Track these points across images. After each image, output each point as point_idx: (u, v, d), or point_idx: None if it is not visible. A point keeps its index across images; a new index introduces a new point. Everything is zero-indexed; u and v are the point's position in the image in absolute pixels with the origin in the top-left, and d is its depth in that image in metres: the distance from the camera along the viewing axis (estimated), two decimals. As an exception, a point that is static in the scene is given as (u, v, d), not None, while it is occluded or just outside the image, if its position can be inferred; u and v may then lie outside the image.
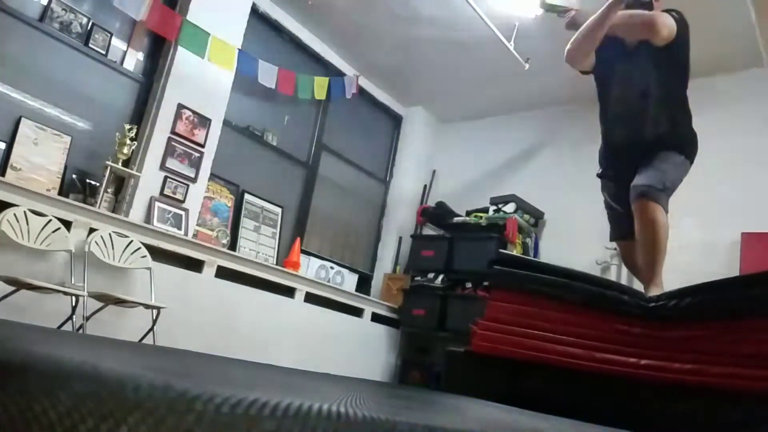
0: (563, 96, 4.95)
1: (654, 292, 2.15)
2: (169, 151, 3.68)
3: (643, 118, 2.39)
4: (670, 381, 1.76)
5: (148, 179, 3.56)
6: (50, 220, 2.87)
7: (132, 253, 3.16)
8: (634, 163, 2.41)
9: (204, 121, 3.88)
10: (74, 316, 2.77)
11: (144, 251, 3.21)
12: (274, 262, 4.42)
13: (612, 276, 4.44)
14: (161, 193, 3.62)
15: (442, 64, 4.99)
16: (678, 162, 2.36)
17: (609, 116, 2.58)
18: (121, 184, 3.56)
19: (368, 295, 5.21)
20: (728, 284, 1.85)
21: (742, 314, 1.72)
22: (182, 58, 3.73)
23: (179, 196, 3.72)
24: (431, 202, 5.52)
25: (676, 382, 1.75)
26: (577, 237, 4.72)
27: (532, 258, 4.85)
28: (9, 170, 3.06)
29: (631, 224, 2.37)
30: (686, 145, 2.40)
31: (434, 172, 5.93)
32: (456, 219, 5.06)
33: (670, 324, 1.85)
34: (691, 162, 2.43)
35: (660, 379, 1.78)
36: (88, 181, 3.46)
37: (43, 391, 0.44)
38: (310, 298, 4.29)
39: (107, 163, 3.34)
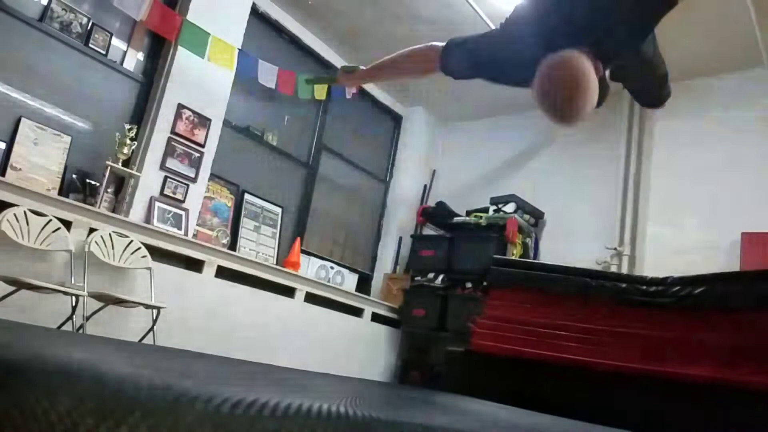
0: (563, 96, 4.95)
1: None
2: (169, 151, 3.68)
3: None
4: (670, 377, 1.76)
5: (148, 179, 3.56)
6: (50, 220, 2.87)
7: (132, 253, 3.16)
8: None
9: (204, 121, 3.88)
10: (74, 316, 2.77)
11: (144, 251, 3.21)
12: (274, 262, 4.42)
13: (612, 276, 4.43)
14: (161, 193, 3.62)
15: (442, 64, 4.99)
16: (654, 41, 1.74)
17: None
18: (121, 184, 3.56)
19: (368, 295, 5.21)
20: (732, 277, 1.86)
21: (744, 307, 1.72)
22: (182, 58, 3.73)
23: (179, 196, 3.72)
24: (431, 202, 5.52)
25: (676, 378, 1.75)
26: (577, 237, 4.73)
27: (532, 258, 4.85)
28: (9, 170, 3.06)
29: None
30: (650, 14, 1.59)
31: (434, 172, 5.93)
32: (456, 219, 5.06)
33: (671, 312, 1.85)
34: None
35: (659, 375, 1.78)
36: (88, 181, 3.46)
37: (43, 391, 0.44)
38: (310, 298, 4.29)
39: (107, 163, 3.34)
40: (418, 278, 5.07)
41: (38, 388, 0.44)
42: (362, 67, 1.94)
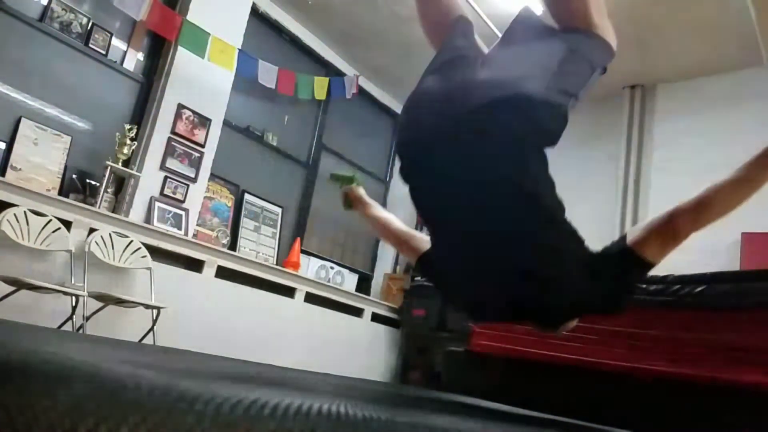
0: (563, 96, 4.95)
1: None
2: (169, 151, 3.68)
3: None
4: (670, 377, 1.76)
5: (148, 179, 3.56)
6: (50, 220, 2.87)
7: (132, 253, 3.16)
8: None
9: (204, 121, 3.88)
10: (74, 316, 2.77)
11: (144, 251, 3.21)
12: (274, 262, 4.42)
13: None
14: (161, 193, 3.62)
15: (442, 64, 4.99)
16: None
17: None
18: (121, 184, 3.56)
19: (368, 295, 5.21)
20: (732, 277, 1.86)
21: (744, 307, 1.72)
22: (182, 58, 3.73)
23: (179, 196, 3.72)
24: (431, 202, 5.51)
25: (676, 377, 1.75)
26: (577, 237, 4.72)
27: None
28: (9, 170, 3.06)
29: None
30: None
31: (434, 172, 5.92)
32: (456, 219, 5.06)
33: (671, 312, 1.85)
34: None
35: (659, 374, 1.78)
36: (88, 181, 3.46)
37: (43, 391, 0.44)
38: (310, 298, 4.29)
39: (107, 163, 3.34)
40: (418, 278, 5.07)
41: (38, 389, 0.44)
42: (363, 194, 1.80)
